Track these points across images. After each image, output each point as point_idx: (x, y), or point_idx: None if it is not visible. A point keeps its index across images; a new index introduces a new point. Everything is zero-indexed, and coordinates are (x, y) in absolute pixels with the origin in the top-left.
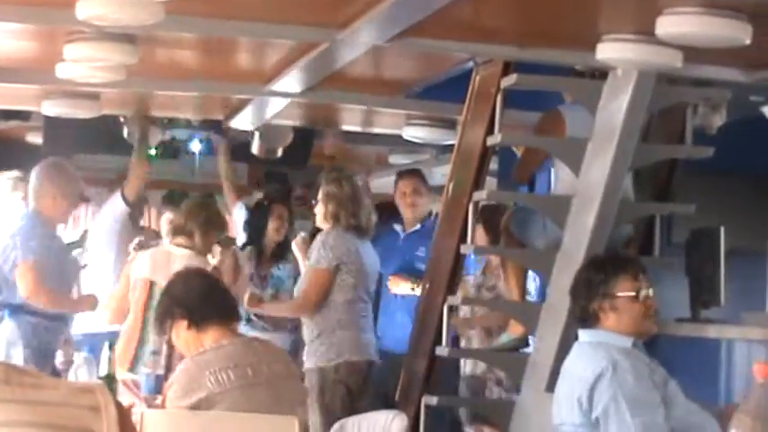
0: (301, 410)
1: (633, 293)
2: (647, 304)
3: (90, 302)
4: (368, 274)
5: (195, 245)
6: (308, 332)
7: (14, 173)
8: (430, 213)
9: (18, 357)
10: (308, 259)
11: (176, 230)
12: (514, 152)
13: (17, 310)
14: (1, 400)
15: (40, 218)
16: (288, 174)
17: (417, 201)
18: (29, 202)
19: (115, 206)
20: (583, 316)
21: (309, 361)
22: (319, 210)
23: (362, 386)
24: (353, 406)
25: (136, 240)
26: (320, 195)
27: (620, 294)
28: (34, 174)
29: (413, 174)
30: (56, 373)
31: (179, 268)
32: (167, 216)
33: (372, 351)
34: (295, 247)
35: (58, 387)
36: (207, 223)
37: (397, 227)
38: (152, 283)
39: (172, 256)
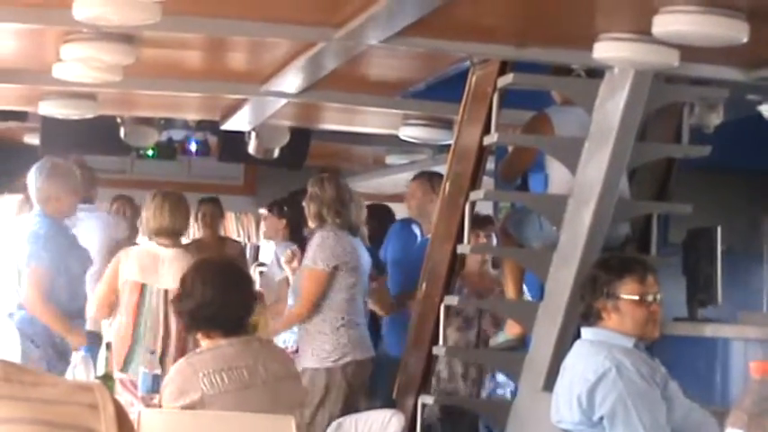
0: (299, 412)
1: (637, 297)
2: (652, 309)
3: (81, 339)
4: (364, 271)
5: (179, 241)
6: (308, 331)
7: (21, 196)
8: None
9: (32, 356)
10: (305, 259)
11: (161, 231)
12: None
13: None
14: (1, 397)
15: (46, 220)
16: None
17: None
18: (33, 205)
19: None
20: (586, 314)
21: (311, 361)
22: (306, 211)
23: (362, 385)
24: (354, 404)
25: None
26: (306, 197)
27: (623, 296)
28: (32, 176)
29: (430, 176)
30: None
31: (169, 268)
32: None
33: (372, 348)
34: (283, 262)
35: (57, 385)
36: (187, 217)
37: (416, 228)
38: (143, 286)
39: (160, 257)
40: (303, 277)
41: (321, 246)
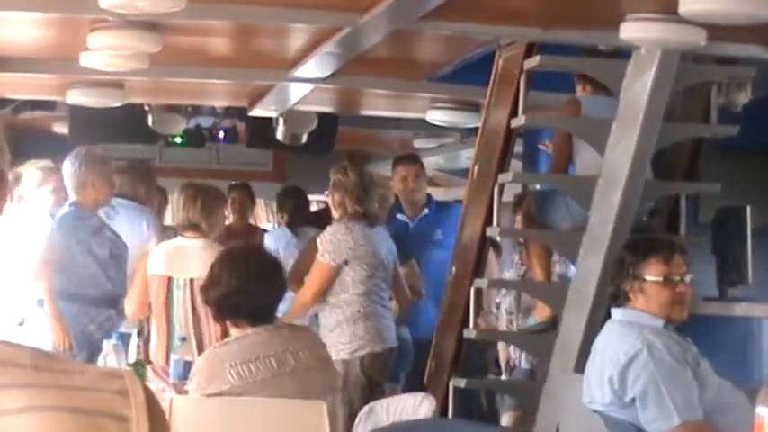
0: (331, 397)
1: (661, 278)
2: (678, 290)
3: (62, 335)
4: (383, 261)
5: (204, 233)
6: (325, 323)
7: (44, 162)
8: (429, 198)
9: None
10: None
11: (183, 225)
12: (539, 134)
13: (58, 296)
14: (29, 385)
15: (77, 209)
16: None
17: (419, 186)
18: (68, 194)
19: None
20: (615, 295)
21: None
22: (329, 199)
23: (381, 375)
24: (372, 395)
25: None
26: (329, 185)
27: (647, 278)
28: (67, 165)
29: (413, 159)
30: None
31: (195, 259)
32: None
33: (393, 337)
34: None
35: (86, 372)
36: (205, 209)
37: (401, 216)
38: (169, 279)
39: (185, 249)
40: (312, 270)
41: (331, 240)
